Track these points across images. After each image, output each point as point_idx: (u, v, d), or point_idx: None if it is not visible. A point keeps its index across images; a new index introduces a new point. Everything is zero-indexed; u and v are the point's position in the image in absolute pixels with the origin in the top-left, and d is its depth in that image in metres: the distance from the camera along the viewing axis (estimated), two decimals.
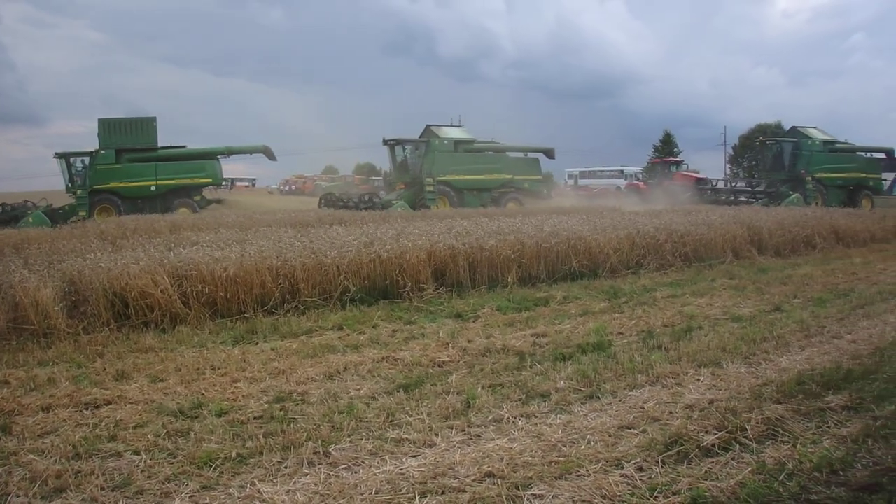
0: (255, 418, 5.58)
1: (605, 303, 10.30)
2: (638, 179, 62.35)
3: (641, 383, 6.28)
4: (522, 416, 5.52)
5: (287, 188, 72.92)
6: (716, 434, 4.95)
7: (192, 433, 5.23)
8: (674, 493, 4.15)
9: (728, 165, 77.01)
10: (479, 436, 5.14)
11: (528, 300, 10.40)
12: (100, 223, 20.22)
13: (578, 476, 4.40)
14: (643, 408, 5.64)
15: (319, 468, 4.61)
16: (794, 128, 41.48)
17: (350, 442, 5.02)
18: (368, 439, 5.06)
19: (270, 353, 7.53)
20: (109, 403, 5.99)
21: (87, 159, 30.73)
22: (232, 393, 6.21)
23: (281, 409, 5.75)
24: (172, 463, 4.73)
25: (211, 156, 32.38)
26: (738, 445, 4.81)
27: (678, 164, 58.91)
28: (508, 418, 5.44)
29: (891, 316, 9.06)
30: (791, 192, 34.96)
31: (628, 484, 4.29)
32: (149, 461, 4.75)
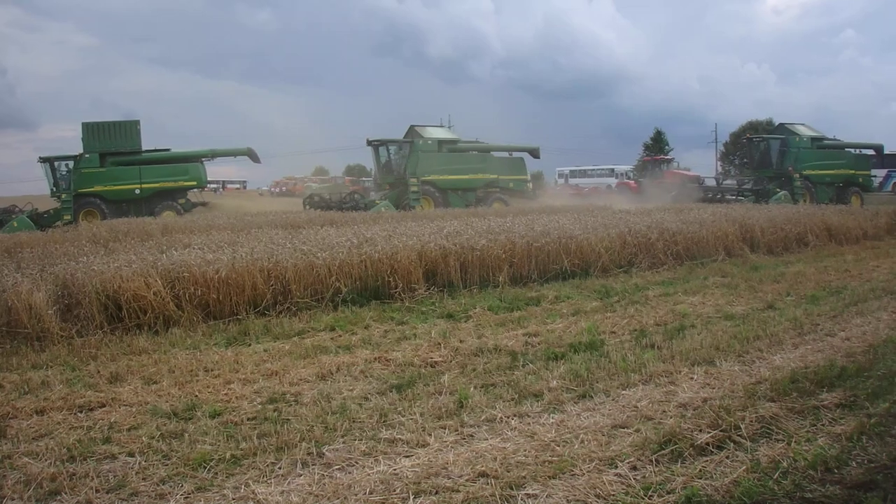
0: (248, 419, 5.58)
1: (597, 302, 10.31)
2: (629, 178, 62.44)
3: (634, 382, 6.28)
4: (515, 415, 5.52)
5: (278, 190, 72.84)
6: (710, 433, 4.95)
7: (186, 435, 5.22)
8: (668, 492, 4.15)
9: (719, 163, 77.26)
10: (472, 436, 5.14)
11: (520, 300, 10.40)
12: (92, 227, 20.11)
13: (572, 475, 4.40)
14: (636, 407, 5.65)
15: (313, 469, 4.60)
16: (781, 124, 41.54)
17: (343, 442, 5.02)
18: (362, 440, 5.06)
19: (263, 355, 7.52)
20: (103, 406, 5.98)
21: (71, 163, 30.63)
22: (225, 394, 6.20)
23: (274, 410, 5.75)
24: (167, 465, 4.72)
25: (195, 159, 32.26)
26: (732, 444, 4.81)
27: (669, 162, 59.04)
28: (501, 418, 5.44)
29: (884, 313, 9.08)
30: (778, 190, 34.97)
31: (622, 483, 4.29)
32: (143, 463, 4.75)
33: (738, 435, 4.92)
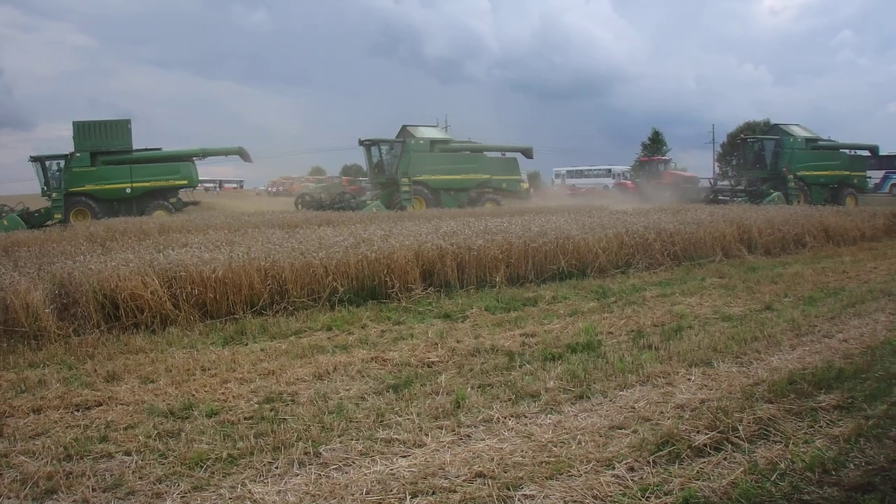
0: (245, 419, 5.57)
1: (594, 302, 10.30)
2: (626, 178, 62.50)
3: (632, 383, 6.28)
4: (512, 416, 5.51)
5: (274, 190, 72.75)
6: (707, 434, 4.95)
7: (183, 434, 5.22)
8: (665, 494, 4.15)
9: (717, 164, 77.29)
10: (469, 436, 5.14)
11: (517, 300, 10.40)
12: (89, 226, 20.08)
13: (569, 476, 4.40)
14: (634, 408, 5.64)
15: (310, 468, 4.60)
16: (776, 125, 41.60)
17: (340, 442, 5.01)
18: (358, 439, 5.06)
19: (260, 354, 7.51)
20: (100, 405, 5.97)
21: (62, 162, 30.67)
22: (222, 393, 6.19)
23: (271, 410, 5.74)
24: (163, 464, 4.71)
25: (186, 158, 32.24)
26: (729, 445, 4.81)
27: (666, 162, 59.10)
28: (498, 418, 5.44)
29: (882, 315, 9.08)
30: (772, 191, 34.99)
31: (619, 484, 4.29)
32: (140, 462, 4.74)
33: (736, 436, 4.91)
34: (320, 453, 4.82)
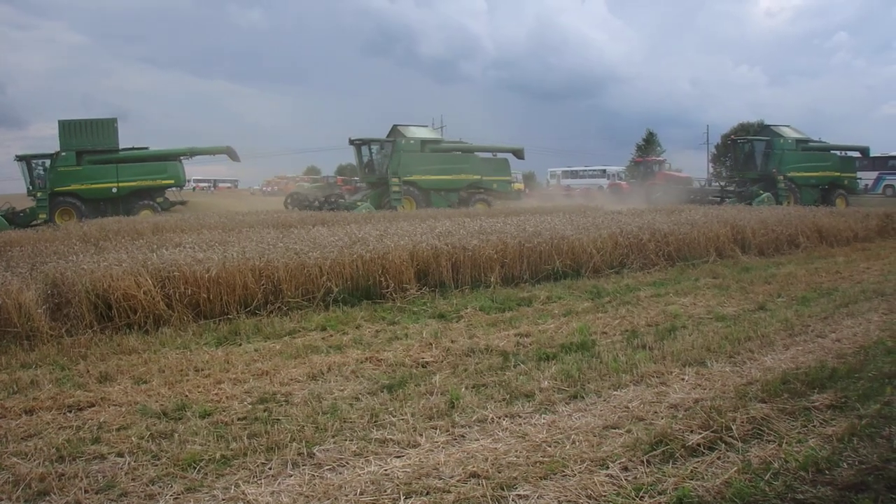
0: (238, 419, 5.55)
1: (589, 302, 10.31)
2: (620, 179, 62.62)
3: (626, 383, 6.28)
4: (507, 416, 5.51)
5: (269, 189, 72.71)
6: (701, 433, 4.95)
7: (176, 435, 5.20)
8: (659, 493, 4.15)
9: (711, 165, 77.47)
10: (464, 436, 5.13)
11: (512, 300, 10.40)
12: (82, 225, 20.01)
13: (563, 476, 4.40)
14: (628, 407, 5.65)
15: (304, 469, 4.58)
16: (766, 126, 41.74)
17: (334, 443, 5.00)
18: (352, 440, 5.05)
19: (254, 355, 7.50)
20: (93, 405, 5.95)
21: (47, 162, 30.47)
22: (216, 394, 6.17)
23: (265, 411, 5.73)
24: (156, 465, 4.69)
25: (173, 157, 32.14)
26: (723, 445, 4.81)
27: (660, 163, 59.21)
28: (492, 418, 5.43)
29: (875, 315, 9.10)
30: (762, 192, 35.08)
31: (613, 484, 4.29)
32: (133, 463, 4.72)
33: (730, 436, 4.91)
34: (314, 454, 4.81)
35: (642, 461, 4.58)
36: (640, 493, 4.15)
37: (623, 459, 4.61)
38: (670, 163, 60.61)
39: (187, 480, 4.45)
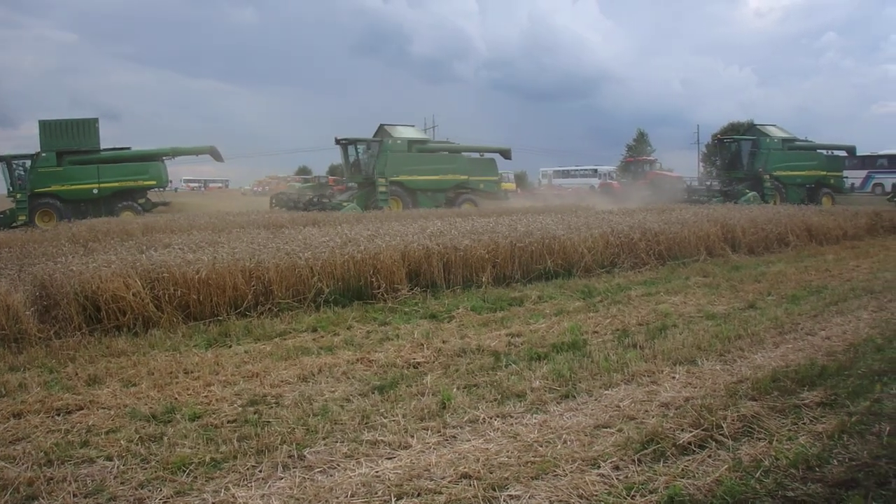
0: (228, 422, 5.52)
1: (580, 302, 10.31)
2: (612, 179, 62.76)
3: (617, 382, 6.28)
4: (498, 416, 5.50)
5: (260, 189, 72.58)
6: (692, 432, 4.96)
7: (166, 438, 5.17)
8: (650, 492, 4.15)
9: (701, 164, 77.64)
10: (455, 437, 5.12)
11: (503, 300, 10.39)
12: (71, 226, 19.89)
13: (555, 476, 4.39)
14: (619, 406, 5.65)
15: (294, 472, 4.57)
16: (753, 125, 41.96)
17: (325, 445, 4.98)
18: (343, 442, 5.03)
19: (244, 356, 7.46)
20: (81, 409, 5.90)
21: (28, 162, 30.18)
22: (205, 397, 6.14)
23: (255, 413, 5.70)
24: (145, 468, 4.66)
25: (155, 157, 31.84)
26: (714, 443, 4.82)
27: (651, 163, 59.40)
28: (484, 419, 5.43)
29: (864, 312, 9.14)
30: (748, 191, 35.23)
31: (605, 483, 4.29)
32: (122, 467, 4.68)
33: (720, 434, 4.92)
34: (304, 456, 4.78)
35: (633, 460, 4.58)
36: (632, 492, 4.15)
37: (614, 459, 4.61)
38: (661, 162, 60.88)
39: (177, 484, 4.42)
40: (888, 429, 4.85)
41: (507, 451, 4.78)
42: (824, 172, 39.22)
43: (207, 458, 4.75)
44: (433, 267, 11.19)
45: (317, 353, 7.53)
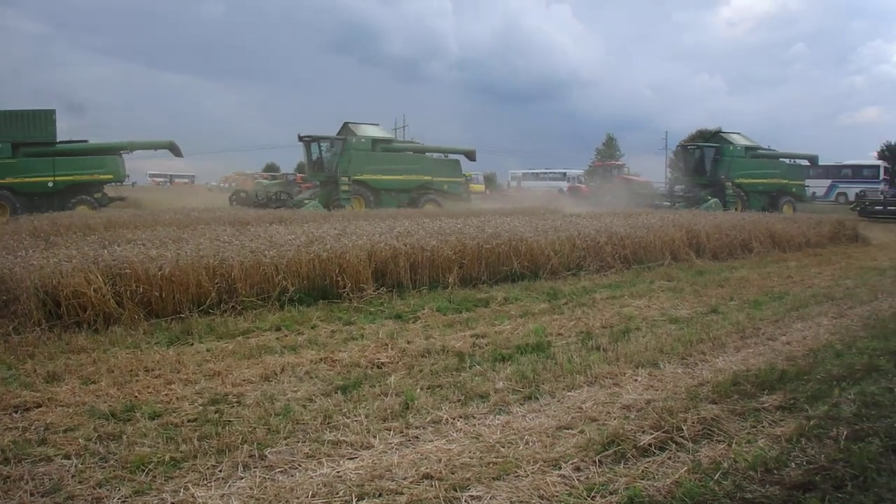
0: (189, 421, 5.46)
1: (545, 304, 10.35)
2: (580, 182, 63.13)
3: (580, 384, 6.32)
4: (461, 417, 5.51)
5: (227, 185, 71.96)
6: (652, 434, 5.00)
7: (125, 437, 5.09)
8: (611, 493, 4.18)
9: (669, 170, 78.44)
10: (418, 437, 5.12)
11: (469, 301, 10.40)
12: (33, 220, 19.56)
13: (516, 477, 4.41)
14: (581, 408, 5.68)
15: (255, 471, 4.53)
16: (717, 133, 42.50)
17: (286, 444, 4.95)
18: (305, 442, 5.00)
19: (206, 355, 7.38)
20: (40, 406, 5.79)
21: None
22: (166, 395, 6.07)
23: (216, 412, 5.64)
24: (104, 467, 4.59)
25: (112, 151, 31.26)
26: (674, 445, 4.87)
27: (619, 167, 59.89)
28: (447, 419, 5.43)
29: (824, 318, 9.28)
30: (710, 197, 35.67)
31: (566, 484, 4.31)
32: (80, 466, 4.61)
33: (681, 436, 4.97)
34: (265, 456, 4.75)
35: (594, 461, 4.61)
36: (592, 493, 4.17)
37: (575, 460, 4.64)
38: (629, 167, 61.43)
39: (136, 483, 4.36)
40: (845, 433, 4.94)
41: (470, 452, 4.78)
42: (786, 181, 39.77)
43: (167, 458, 4.70)
44: (400, 267, 11.16)
45: (280, 353, 7.47)
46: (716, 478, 4.31)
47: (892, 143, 71.99)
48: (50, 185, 29.19)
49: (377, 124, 36.41)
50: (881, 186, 52.10)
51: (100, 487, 4.33)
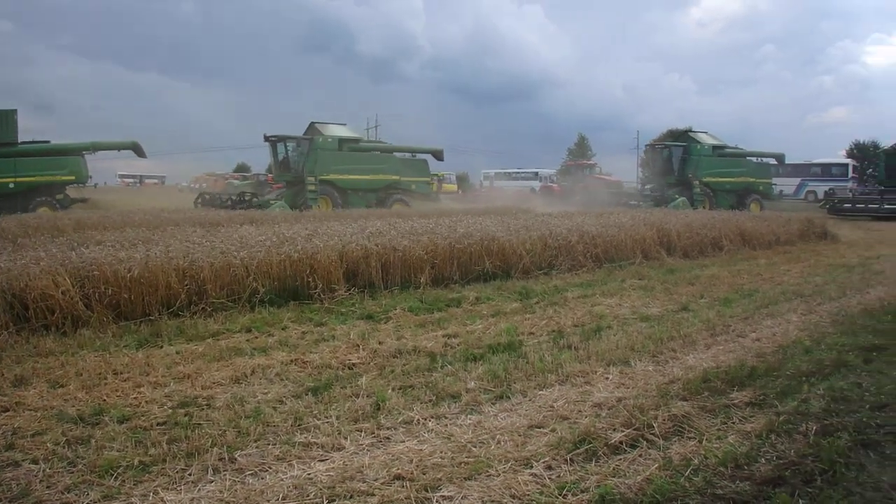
0: (158, 424, 5.40)
1: (517, 303, 10.37)
2: (552, 182, 63.37)
3: (551, 382, 6.33)
4: (433, 417, 5.50)
5: (197, 186, 71.36)
6: (623, 431, 5.02)
7: (93, 441, 5.03)
8: (582, 491, 4.19)
9: (640, 169, 79.00)
10: (389, 438, 5.10)
11: (441, 301, 10.39)
12: (0, 221, 19.33)
13: (488, 476, 4.40)
14: (553, 407, 5.69)
15: (225, 475, 4.49)
16: (684, 132, 42.91)
17: (256, 447, 4.91)
18: (275, 444, 4.96)
19: (175, 357, 7.30)
20: (7, 410, 5.70)
21: None
22: (135, 398, 6.00)
23: (185, 415, 5.59)
24: (72, 472, 4.53)
25: (74, 152, 30.70)
26: (645, 442, 4.90)
27: (591, 167, 60.21)
28: (418, 420, 5.42)
29: (794, 315, 9.37)
30: (677, 196, 36.00)
31: (537, 483, 4.31)
32: (48, 470, 4.54)
33: (651, 433, 5.00)
34: (236, 459, 4.71)
35: (566, 460, 4.63)
36: (564, 492, 4.18)
37: (547, 458, 4.65)
38: (601, 167, 61.75)
39: (104, 488, 4.31)
40: (815, 428, 5.00)
41: (441, 452, 4.77)
42: (753, 179, 40.23)
43: (136, 462, 4.65)
44: (371, 267, 11.13)
45: (250, 354, 7.42)
46: (686, 474, 4.34)
47: (861, 142, 73.11)
48: (11, 186, 28.62)
49: (344, 124, 36.22)
50: (850, 184, 52.89)
51: (68, 492, 4.27)
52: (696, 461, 4.54)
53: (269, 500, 4.13)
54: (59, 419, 5.49)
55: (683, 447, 4.81)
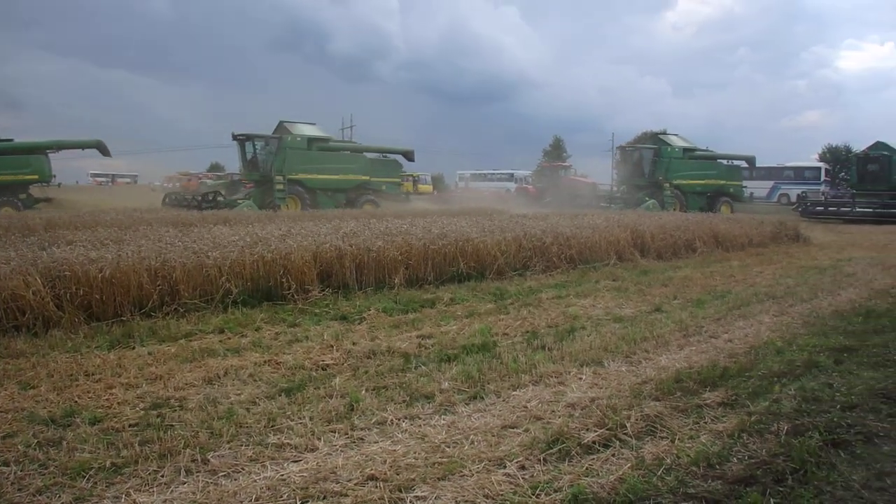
0: (130, 426, 5.36)
1: (492, 304, 10.39)
2: (527, 183, 63.56)
3: (525, 383, 6.36)
4: (406, 417, 5.50)
5: (170, 185, 70.83)
6: (596, 431, 5.06)
7: (65, 442, 4.98)
8: (555, 491, 4.21)
9: (615, 171, 79.44)
10: (363, 439, 5.09)
11: (415, 302, 10.39)
12: None
13: (461, 476, 4.41)
14: (526, 407, 5.71)
15: (197, 476, 4.46)
16: (655, 135, 43.25)
17: (229, 448, 4.89)
18: (248, 445, 4.94)
19: (147, 358, 7.25)
20: None
21: None
22: (107, 400, 5.95)
23: (158, 416, 5.55)
24: (44, 474, 4.49)
25: (38, 151, 30.54)
26: (618, 442, 4.93)
27: (566, 168, 60.44)
28: (392, 420, 5.42)
29: (766, 316, 9.46)
30: (648, 198, 36.26)
31: (510, 483, 4.33)
32: (19, 472, 4.49)
33: (624, 433, 5.03)
34: (208, 460, 4.68)
35: (539, 459, 4.65)
36: (537, 491, 4.20)
37: (520, 458, 4.66)
38: (576, 168, 62.01)
39: (76, 490, 4.28)
40: (786, 428, 5.06)
41: (415, 453, 4.78)
42: (724, 181, 40.65)
43: (108, 463, 4.61)
44: (345, 268, 11.11)
45: (223, 355, 7.37)
46: (659, 473, 4.38)
47: (833, 146, 74.00)
48: None
49: (314, 123, 36.08)
50: (822, 188, 53.57)
51: (40, 494, 4.24)
52: (668, 460, 4.58)
53: (242, 502, 4.11)
54: (31, 421, 5.44)
55: (656, 447, 4.84)
